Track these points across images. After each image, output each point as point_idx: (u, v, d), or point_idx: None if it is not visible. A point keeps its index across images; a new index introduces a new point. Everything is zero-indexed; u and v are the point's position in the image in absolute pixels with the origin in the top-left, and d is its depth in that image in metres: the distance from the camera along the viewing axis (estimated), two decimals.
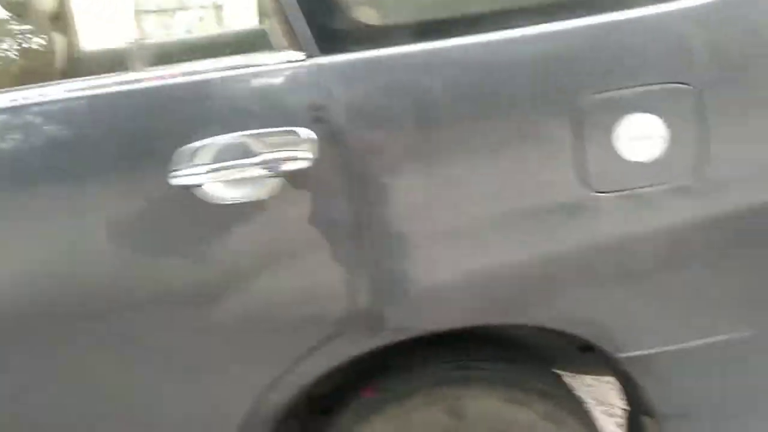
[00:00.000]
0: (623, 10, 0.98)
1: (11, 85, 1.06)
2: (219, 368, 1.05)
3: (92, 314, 1.02)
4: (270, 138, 0.97)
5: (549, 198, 1.01)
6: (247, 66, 1.00)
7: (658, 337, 1.07)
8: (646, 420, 1.18)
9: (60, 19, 1.75)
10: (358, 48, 0.98)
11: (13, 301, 1.01)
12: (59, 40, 1.68)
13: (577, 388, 1.99)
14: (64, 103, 1.00)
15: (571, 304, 1.05)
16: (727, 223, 1.02)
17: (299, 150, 0.96)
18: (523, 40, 0.98)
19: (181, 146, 0.96)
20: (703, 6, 0.98)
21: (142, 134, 1.00)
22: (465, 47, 0.98)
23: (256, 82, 0.99)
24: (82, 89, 1.01)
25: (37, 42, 1.57)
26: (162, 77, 1.01)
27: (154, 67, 1.04)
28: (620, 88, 0.98)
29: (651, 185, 0.99)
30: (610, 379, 1.32)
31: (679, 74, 0.97)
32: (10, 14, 1.62)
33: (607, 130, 0.98)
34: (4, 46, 1.53)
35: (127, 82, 1.00)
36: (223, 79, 0.99)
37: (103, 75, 1.02)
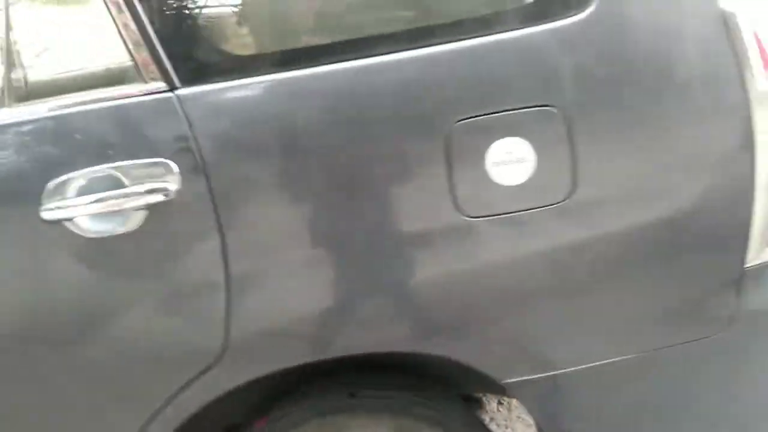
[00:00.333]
0: (487, 35, 0.97)
1: None
2: (97, 405, 1.04)
3: None
4: (136, 170, 0.97)
5: (422, 224, 1.00)
6: (114, 99, 0.99)
7: (537, 362, 1.05)
8: None
9: None
10: (221, 78, 0.98)
11: None
12: None
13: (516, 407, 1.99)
14: None
15: (451, 330, 1.04)
16: (601, 246, 1.00)
17: (164, 182, 0.96)
18: (389, 66, 0.97)
19: (51, 180, 0.96)
20: (566, 27, 0.96)
21: (14, 169, 0.99)
22: (331, 74, 0.97)
23: (123, 115, 0.99)
24: None
25: None
26: (31, 112, 1.01)
27: (23, 102, 1.03)
28: (488, 114, 0.97)
29: (523, 209, 0.98)
30: None
31: (544, 97, 0.96)
32: None
33: (478, 155, 0.97)
34: None
35: None
36: (90, 111, 0.99)
37: None
